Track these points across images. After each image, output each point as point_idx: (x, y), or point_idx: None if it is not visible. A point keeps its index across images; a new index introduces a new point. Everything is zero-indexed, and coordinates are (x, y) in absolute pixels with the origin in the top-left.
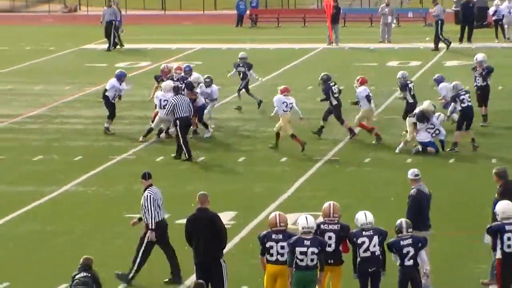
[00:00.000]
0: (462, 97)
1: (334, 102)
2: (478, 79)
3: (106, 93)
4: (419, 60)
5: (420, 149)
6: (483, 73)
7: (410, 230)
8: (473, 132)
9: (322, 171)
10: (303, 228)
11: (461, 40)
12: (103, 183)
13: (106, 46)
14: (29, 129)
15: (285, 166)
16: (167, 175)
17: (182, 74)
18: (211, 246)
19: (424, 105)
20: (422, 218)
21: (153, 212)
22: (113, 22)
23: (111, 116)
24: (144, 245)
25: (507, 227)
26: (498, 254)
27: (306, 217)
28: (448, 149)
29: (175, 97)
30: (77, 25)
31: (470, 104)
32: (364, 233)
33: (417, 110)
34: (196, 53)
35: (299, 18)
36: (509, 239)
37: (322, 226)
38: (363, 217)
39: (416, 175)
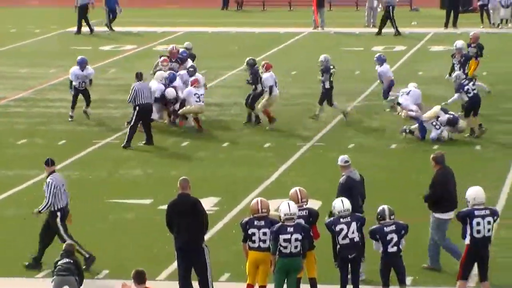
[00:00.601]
0: (466, 87)
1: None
2: (456, 66)
3: (73, 84)
4: (404, 45)
5: (407, 130)
6: (461, 60)
7: (393, 217)
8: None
9: (306, 157)
10: (285, 215)
11: (446, 25)
12: (87, 168)
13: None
14: (14, 112)
15: (268, 152)
16: (150, 160)
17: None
18: (192, 232)
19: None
20: (353, 204)
21: (53, 198)
22: (87, 5)
23: (75, 105)
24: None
25: (476, 212)
26: (467, 240)
27: (288, 204)
28: (467, 135)
29: (137, 83)
30: (63, 7)
31: (475, 92)
32: (341, 220)
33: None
34: (181, 37)
35: (285, 2)
36: (478, 224)
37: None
38: (340, 204)
39: (346, 161)
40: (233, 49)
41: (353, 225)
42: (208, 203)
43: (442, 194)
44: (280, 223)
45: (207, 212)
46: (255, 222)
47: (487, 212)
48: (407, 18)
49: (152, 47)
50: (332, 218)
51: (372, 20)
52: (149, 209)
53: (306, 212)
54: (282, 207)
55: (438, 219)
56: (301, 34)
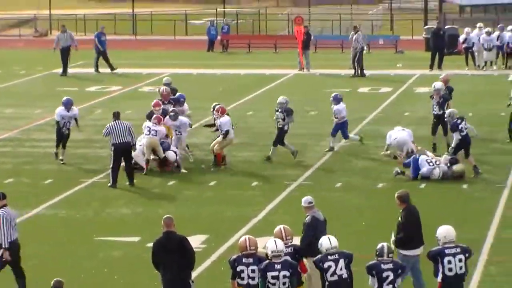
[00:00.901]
0: (460, 126)
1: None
2: (435, 107)
3: (59, 124)
4: (390, 86)
5: (399, 172)
6: (440, 101)
7: (391, 255)
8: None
9: (293, 196)
10: (272, 252)
11: (431, 67)
12: (74, 207)
13: (76, 70)
14: (0, 152)
15: (256, 191)
16: (138, 199)
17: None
18: (180, 269)
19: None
20: (317, 245)
21: (5, 232)
22: (69, 47)
23: (63, 145)
24: None
25: (447, 251)
26: (439, 278)
27: (275, 241)
28: (473, 175)
29: (112, 123)
30: (48, 49)
31: (466, 131)
32: (329, 257)
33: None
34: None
35: (270, 44)
36: (449, 262)
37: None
38: (327, 242)
39: (310, 202)
40: (218, 91)
41: (341, 262)
42: (195, 241)
43: (412, 233)
44: (267, 261)
45: (194, 249)
46: (244, 260)
47: (458, 250)
48: (393, 60)
49: (138, 88)
50: (319, 256)
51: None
52: (137, 247)
53: (291, 249)
54: (269, 244)
55: (405, 256)
56: (287, 76)
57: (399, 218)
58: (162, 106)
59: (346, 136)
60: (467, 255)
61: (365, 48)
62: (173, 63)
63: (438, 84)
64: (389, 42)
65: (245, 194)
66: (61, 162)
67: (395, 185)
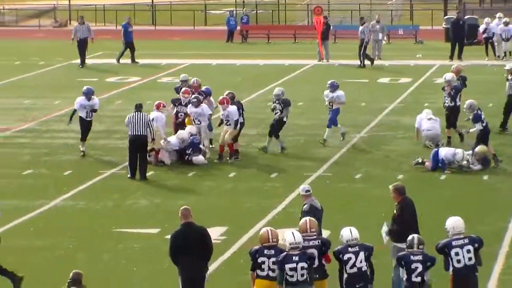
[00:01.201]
0: (482, 116)
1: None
2: (446, 99)
3: (79, 114)
4: (410, 76)
5: (420, 161)
6: (452, 92)
7: (421, 246)
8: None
9: (313, 187)
10: (290, 244)
11: (451, 57)
12: (93, 198)
13: (95, 61)
14: (19, 143)
15: (275, 182)
16: (157, 190)
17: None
18: (200, 261)
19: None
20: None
21: None
22: (87, 39)
23: (84, 137)
24: None
25: (454, 243)
26: (450, 271)
27: (293, 233)
28: (493, 165)
29: (132, 113)
30: (68, 40)
31: (486, 121)
32: (350, 249)
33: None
34: (186, 69)
35: (290, 35)
36: (457, 254)
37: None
38: (349, 233)
39: (307, 191)
40: (236, 81)
41: (361, 255)
42: (215, 233)
43: (408, 225)
44: (285, 253)
45: (214, 241)
46: (265, 251)
47: (466, 240)
48: (412, 50)
49: (157, 79)
50: (340, 247)
51: (377, 53)
52: (156, 239)
53: (319, 242)
54: (287, 236)
55: (400, 248)
56: (306, 66)
57: (395, 211)
58: (191, 95)
59: (335, 123)
60: (476, 245)
61: (369, 40)
62: (192, 53)
63: (449, 75)
64: (408, 32)
65: (264, 185)
66: (82, 153)
67: (415, 175)
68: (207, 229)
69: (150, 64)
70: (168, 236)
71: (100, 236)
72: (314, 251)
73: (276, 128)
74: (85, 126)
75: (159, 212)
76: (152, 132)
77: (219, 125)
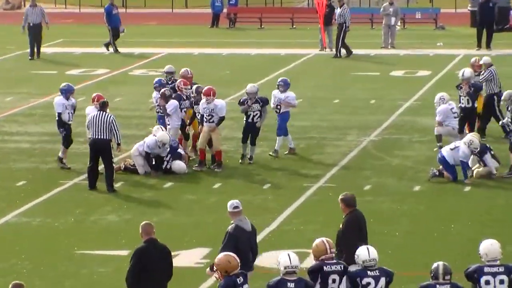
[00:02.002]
0: None
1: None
2: (463, 99)
3: (62, 117)
4: (429, 69)
5: (437, 173)
6: (470, 91)
7: (448, 277)
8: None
9: (313, 201)
10: (285, 268)
11: (479, 45)
12: (51, 213)
13: (54, 50)
14: None
15: (268, 195)
16: (128, 204)
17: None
18: (163, 283)
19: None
20: (241, 258)
21: None
22: (40, 25)
23: (67, 143)
24: None
25: (486, 269)
26: None
27: (289, 255)
28: (505, 174)
29: (95, 113)
30: (20, 25)
31: None
32: (369, 273)
33: None
34: (163, 59)
35: (286, 19)
36: (487, 283)
37: (325, 267)
38: (366, 252)
39: (235, 207)
40: (224, 74)
41: (382, 281)
42: (196, 255)
43: (354, 243)
44: (279, 277)
45: (194, 266)
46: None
47: (501, 269)
48: (432, 37)
49: (128, 72)
50: (357, 270)
51: (390, 40)
52: (126, 262)
53: (341, 267)
54: (282, 258)
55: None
56: (306, 56)
57: (340, 225)
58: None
59: (286, 132)
60: (507, 275)
61: (348, 26)
62: (170, 41)
63: (468, 72)
64: (428, 16)
65: (255, 199)
66: (68, 167)
67: (435, 187)
68: (187, 251)
69: (120, 54)
70: None
71: (60, 259)
72: (336, 277)
73: (255, 133)
74: (69, 131)
75: (129, 230)
76: (117, 136)
77: (190, 124)
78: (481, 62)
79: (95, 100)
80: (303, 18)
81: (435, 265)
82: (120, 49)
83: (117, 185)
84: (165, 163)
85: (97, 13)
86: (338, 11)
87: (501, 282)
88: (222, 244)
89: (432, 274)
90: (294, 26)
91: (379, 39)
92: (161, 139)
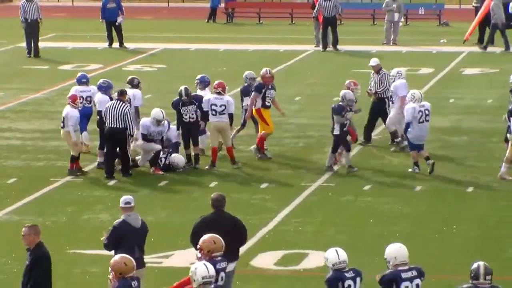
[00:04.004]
0: None
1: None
2: None
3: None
4: (432, 66)
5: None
6: None
7: (489, 277)
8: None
9: (312, 201)
10: (203, 278)
11: (481, 41)
12: (42, 212)
13: (46, 44)
14: None
15: (266, 194)
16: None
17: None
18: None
19: None
20: (127, 253)
21: None
22: (37, 21)
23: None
24: None
25: (403, 275)
26: None
27: (205, 264)
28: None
29: (110, 103)
30: (11, 18)
31: None
32: (347, 274)
33: None
34: (158, 55)
35: (285, 14)
36: None
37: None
38: (335, 255)
39: (127, 202)
40: (221, 71)
41: (358, 281)
42: (192, 256)
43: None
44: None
45: (190, 266)
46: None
47: (415, 273)
48: (435, 34)
49: (122, 67)
50: (333, 273)
51: (392, 37)
52: None
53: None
54: (198, 269)
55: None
56: (305, 53)
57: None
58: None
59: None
60: (422, 278)
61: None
62: (166, 36)
63: None
64: (431, 12)
65: (252, 198)
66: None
67: (436, 188)
68: (182, 251)
69: (114, 49)
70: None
71: (52, 258)
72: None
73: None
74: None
75: None
76: (130, 127)
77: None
78: None
79: (71, 99)
80: (303, 14)
81: (475, 265)
82: (114, 44)
83: (110, 183)
84: (163, 159)
85: (91, 7)
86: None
87: (417, 286)
88: (108, 239)
89: (472, 275)
90: (293, 22)
91: (381, 35)
92: (154, 116)
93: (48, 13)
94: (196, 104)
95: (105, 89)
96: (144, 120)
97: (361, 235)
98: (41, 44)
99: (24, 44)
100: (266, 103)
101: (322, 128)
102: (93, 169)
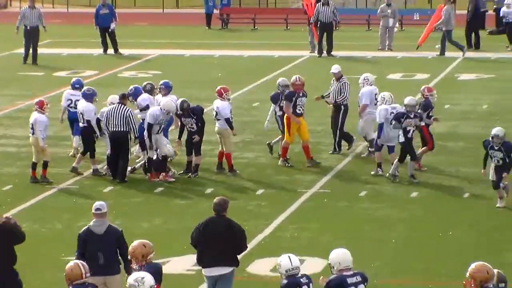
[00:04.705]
0: None
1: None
2: None
3: (90, 122)
4: (427, 72)
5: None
6: None
7: (503, 285)
8: None
9: (308, 207)
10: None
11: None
12: (38, 219)
13: (42, 51)
14: None
15: (262, 200)
16: (118, 210)
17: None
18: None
19: None
20: (90, 261)
21: None
22: (38, 28)
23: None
24: None
25: (349, 280)
26: None
27: (144, 273)
28: None
29: (111, 106)
30: (8, 24)
31: None
32: (302, 280)
33: None
34: (153, 61)
35: (280, 20)
36: None
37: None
38: (287, 261)
39: (97, 209)
40: (215, 76)
41: (311, 286)
42: (187, 263)
43: (197, 244)
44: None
45: (186, 272)
46: None
47: (359, 278)
48: (430, 40)
49: (117, 73)
50: (288, 280)
51: (387, 42)
52: None
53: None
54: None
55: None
56: (300, 58)
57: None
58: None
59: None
60: (366, 284)
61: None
62: (160, 42)
63: None
64: (426, 17)
65: (248, 204)
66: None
67: (433, 193)
68: (178, 257)
69: (109, 55)
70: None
71: (47, 266)
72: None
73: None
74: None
75: None
76: (134, 129)
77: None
78: None
79: (38, 105)
80: (298, 19)
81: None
82: (109, 51)
83: (105, 190)
84: (155, 155)
85: (86, 13)
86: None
87: None
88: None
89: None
90: (288, 28)
91: (376, 41)
92: (166, 107)
93: (43, 19)
94: (194, 117)
95: (90, 96)
96: (153, 109)
97: (357, 241)
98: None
99: (20, 51)
100: (297, 110)
101: (318, 134)
102: (88, 176)
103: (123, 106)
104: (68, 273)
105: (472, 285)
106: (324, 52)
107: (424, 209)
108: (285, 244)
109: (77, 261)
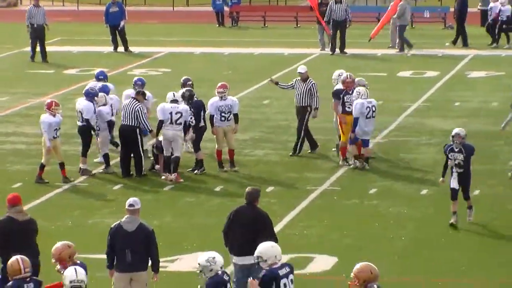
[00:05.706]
0: None
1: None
2: None
3: (89, 121)
4: (437, 69)
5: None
6: None
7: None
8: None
9: (317, 204)
10: (71, 283)
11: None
12: (48, 216)
13: (51, 48)
14: None
15: (271, 198)
16: None
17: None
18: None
19: None
20: (117, 258)
21: None
22: (43, 26)
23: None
24: None
25: (280, 272)
26: None
27: (76, 269)
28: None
29: (126, 101)
30: (18, 23)
31: None
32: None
33: None
34: (163, 58)
35: (291, 18)
36: (285, 285)
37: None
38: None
39: (130, 205)
40: (226, 74)
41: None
42: (196, 260)
43: (228, 232)
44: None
45: (195, 270)
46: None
47: (288, 269)
48: (441, 37)
49: (127, 71)
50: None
51: (397, 40)
52: None
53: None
54: (68, 272)
55: (233, 264)
56: (311, 56)
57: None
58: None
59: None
60: (293, 273)
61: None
62: (170, 40)
63: None
64: (436, 15)
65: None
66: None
67: (443, 191)
68: (188, 255)
69: (119, 53)
70: None
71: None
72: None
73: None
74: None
75: None
76: (144, 125)
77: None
78: None
79: (47, 106)
80: (308, 17)
81: None
82: (119, 48)
83: (115, 188)
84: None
85: (96, 11)
86: (334, 7)
87: (292, 281)
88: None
89: None
90: (298, 25)
91: (386, 39)
92: (167, 97)
93: (53, 17)
94: (192, 110)
95: (92, 96)
96: (161, 105)
97: (366, 238)
98: (46, 48)
99: (28, 48)
100: (347, 108)
101: (328, 132)
102: (98, 174)
103: (135, 101)
104: (8, 268)
105: (357, 283)
106: (337, 49)
107: (434, 206)
108: (295, 241)
109: (18, 256)
